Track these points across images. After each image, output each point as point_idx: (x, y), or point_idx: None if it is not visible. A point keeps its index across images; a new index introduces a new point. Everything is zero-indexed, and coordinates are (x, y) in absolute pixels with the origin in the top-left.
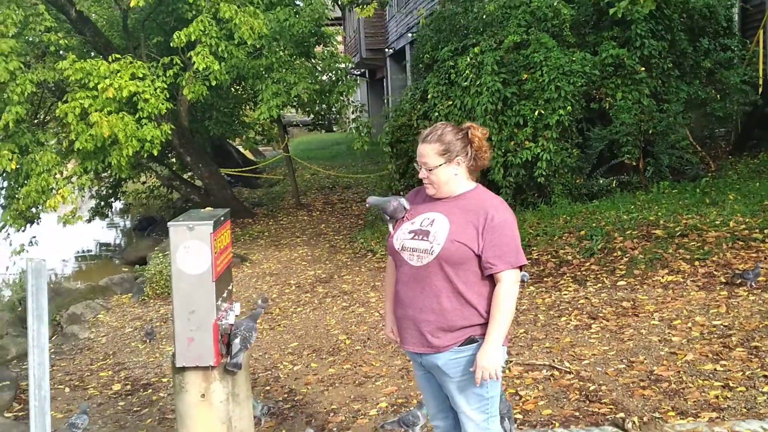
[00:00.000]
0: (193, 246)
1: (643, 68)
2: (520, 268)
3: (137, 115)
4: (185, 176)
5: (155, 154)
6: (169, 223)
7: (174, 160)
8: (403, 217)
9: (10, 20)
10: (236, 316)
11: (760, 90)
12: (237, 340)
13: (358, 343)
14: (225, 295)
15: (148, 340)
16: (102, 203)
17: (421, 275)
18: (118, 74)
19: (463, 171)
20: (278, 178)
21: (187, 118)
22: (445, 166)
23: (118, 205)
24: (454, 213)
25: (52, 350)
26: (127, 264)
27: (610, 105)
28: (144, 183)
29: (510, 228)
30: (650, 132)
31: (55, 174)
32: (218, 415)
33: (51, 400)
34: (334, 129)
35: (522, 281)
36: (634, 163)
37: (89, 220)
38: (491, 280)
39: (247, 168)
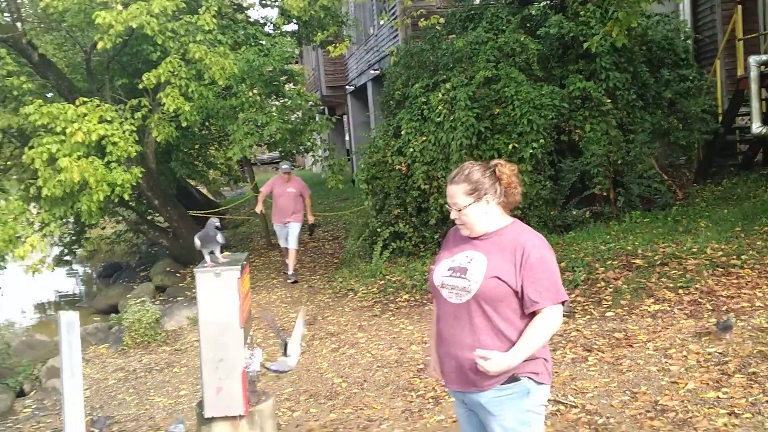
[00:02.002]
0: (220, 292)
1: (609, 100)
2: (563, 303)
3: (106, 159)
4: (152, 219)
5: (126, 198)
6: (195, 270)
7: (135, 204)
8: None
9: None
10: (260, 363)
11: (720, 118)
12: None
13: (355, 385)
14: (249, 341)
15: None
16: (65, 251)
17: (460, 313)
18: (86, 118)
19: (494, 208)
20: (243, 219)
21: (155, 160)
22: (475, 205)
23: (79, 251)
24: (492, 250)
25: (34, 406)
26: (98, 313)
27: (579, 137)
28: (103, 228)
29: (547, 264)
30: (619, 162)
31: (22, 222)
32: None
33: None
34: (305, 167)
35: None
36: (605, 194)
37: (53, 269)
38: (532, 318)
39: (215, 210)
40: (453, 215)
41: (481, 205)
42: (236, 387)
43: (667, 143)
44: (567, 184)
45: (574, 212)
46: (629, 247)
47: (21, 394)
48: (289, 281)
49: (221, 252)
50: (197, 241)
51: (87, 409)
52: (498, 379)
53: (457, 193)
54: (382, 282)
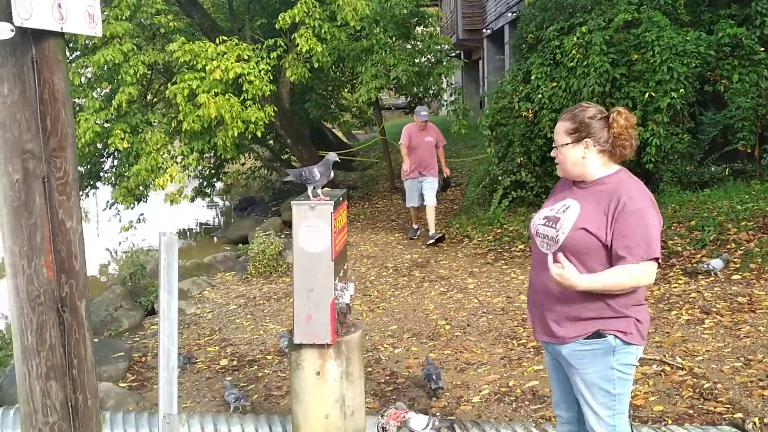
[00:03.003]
0: (313, 224)
1: (762, 49)
2: (657, 261)
3: (242, 97)
4: (284, 158)
5: (259, 135)
6: (292, 202)
7: (272, 142)
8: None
9: (125, 3)
10: (351, 296)
11: None
12: None
13: (458, 329)
14: (341, 274)
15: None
16: (205, 183)
17: (542, 258)
18: (225, 56)
19: (595, 155)
20: (372, 162)
21: (289, 100)
22: (572, 147)
23: (218, 185)
24: (588, 200)
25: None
26: (229, 243)
27: (725, 88)
28: (243, 164)
29: (644, 217)
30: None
31: (164, 153)
32: (332, 393)
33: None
34: (432, 113)
35: (709, 270)
36: (749, 150)
37: (192, 200)
38: None
39: (344, 150)
40: (553, 152)
41: (579, 148)
42: (325, 317)
43: None
44: (707, 138)
45: (713, 169)
46: None
47: (151, 312)
48: (429, 242)
49: (322, 188)
50: (290, 175)
51: (207, 330)
52: (581, 332)
53: (559, 130)
54: (499, 231)
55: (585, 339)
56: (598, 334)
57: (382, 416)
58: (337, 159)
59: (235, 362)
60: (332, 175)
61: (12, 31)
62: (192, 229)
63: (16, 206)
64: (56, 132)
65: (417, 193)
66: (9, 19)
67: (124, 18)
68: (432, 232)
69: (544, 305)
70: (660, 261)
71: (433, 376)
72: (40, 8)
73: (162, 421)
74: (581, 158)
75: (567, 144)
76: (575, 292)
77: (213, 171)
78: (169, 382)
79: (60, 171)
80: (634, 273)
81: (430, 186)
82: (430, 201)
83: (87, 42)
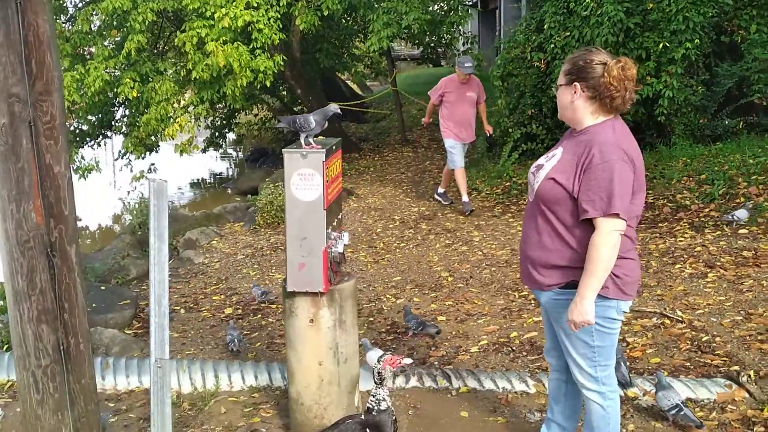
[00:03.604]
0: (305, 173)
1: None
2: (617, 216)
3: (251, 46)
4: (296, 108)
5: (268, 86)
6: (284, 150)
7: (285, 92)
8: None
9: None
10: (345, 245)
11: None
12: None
13: (461, 280)
14: (335, 223)
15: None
16: (216, 134)
17: (531, 211)
18: (234, 3)
19: (584, 102)
20: (385, 114)
21: (299, 50)
22: (563, 89)
23: (231, 136)
24: (568, 150)
25: (170, 273)
26: (240, 193)
27: (742, 38)
28: (256, 115)
29: (610, 170)
30: None
31: (173, 103)
32: (325, 341)
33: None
34: (442, 63)
35: (734, 221)
36: (765, 103)
37: (204, 150)
38: (592, 226)
39: (355, 102)
40: (554, 90)
41: (569, 90)
42: (317, 265)
43: None
44: (721, 90)
45: (726, 122)
46: None
47: None
48: (466, 212)
49: (316, 137)
50: (282, 122)
51: (213, 279)
52: (558, 281)
53: (561, 71)
54: (508, 184)
55: (561, 288)
56: (573, 284)
57: (378, 361)
58: (338, 111)
59: (239, 311)
60: (326, 125)
61: None
62: (205, 179)
63: (3, 150)
64: (42, 75)
65: (460, 155)
66: None
67: None
68: (466, 198)
69: (526, 253)
70: (622, 216)
71: (426, 323)
72: None
73: (154, 365)
74: (570, 102)
75: (561, 85)
76: (550, 242)
77: (224, 121)
78: (160, 327)
79: (47, 115)
80: (602, 240)
81: (466, 147)
82: (452, 166)
83: None
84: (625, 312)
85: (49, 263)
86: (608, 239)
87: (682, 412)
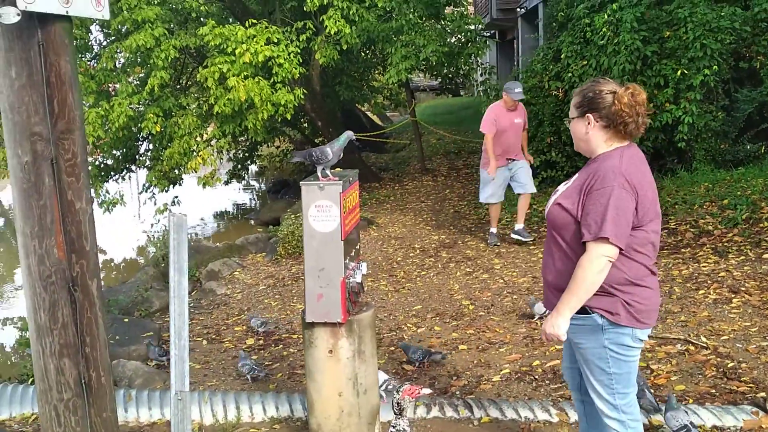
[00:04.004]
0: (323, 205)
1: None
2: (608, 242)
3: (272, 80)
4: (317, 140)
5: (288, 119)
6: (301, 182)
7: (306, 124)
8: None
9: None
10: (363, 275)
11: None
12: None
13: (482, 309)
14: (353, 254)
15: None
16: (239, 166)
17: (548, 236)
18: (254, 39)
19: (598, 131)
20: (404, 143)
21: (319, 83)
22: (577, 121)
23: (253, 168)
24: (581, 175)
25: (192, 305)
26: (262, 224)
27: (761, 64)
28: (278, 147)
29: (607, 196)
30: None
31: (196, 137)
32: (345, 371)
33: (189, 351)
34: (462, 93)
35: None
36: None
37: (227, 183)
38: None
39: (375, 132)
40: (567, 122)
41: (582, 122)
42: (335, 295)
43: None
44: (742, 116)
45: (748, 147)
46: None
47: None
48: (525, 239)
49: (333, 168)
50: (297, 157)
51: (236, 310)
52: None
53: (572, 104)
54: (528, 211)
55: (576, 313)
56: (584, 310)
57: (397, 392)
58: (353, 137)
59: (261, 341)
60: (342, 155)
61: (18, 15)
62: (228, 211)
63: (27, 188)
64: (63, 115)
65: (504, 184)
66: (14, 3)
67: (155, 3)
68: (521, 226)
69: (546, 278)
70: (615, 243)
71: (430, 351)
72: None
73: (174, 398)
74: (585, 133)
75: (574, 118)
76: (562, 266)
77: (246, 154)
78: (180, 360)
79: (68, 153)
80: (586, 262)
81: (526, 170)
82: (531, 187)
83: (120, 27)
84: (643, 340)
85: (71, 298)
86: (594, 264)
87: None
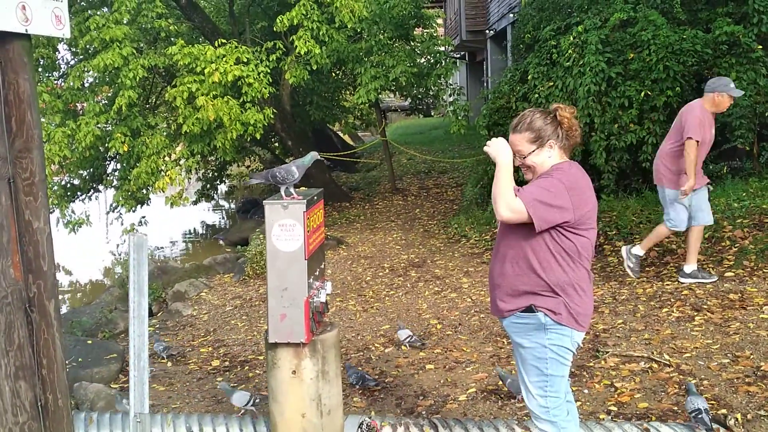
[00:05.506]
0: (286, 224)
1: (760, 46)
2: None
3: (241, 99)
4: (287, 160)
5: (258, 138)
6: (264, 201)
7: (276, 144)
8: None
9: (124, 7)
10: (328, 294)
11: None
12: None
13: (450, 328)
14: (317, 273)
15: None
16: (208, 186)
17: (497, 240)
18: (224, 59)
19: (557, 152)
20: (375, 163)
21: (289, 103)
22: (538, 152)
23: (223, 188)
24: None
25: (158, 326)
26: (231, 244)
27: None
28: (248, 167)
29: (545, 184)
30: (766, 115)
31: (164, 156)
32: (308, 392)
33: (154, 375)
34: (432, 114)
35: None
36: (748, 148)
37: (195, 202)
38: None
39: (345, 152)
40: (517, 162)
41: (544, 151)
42: (299, 315)
43: None
44: None
45: (711, 167)
46: (765, 206)
47: (150, 314)
48: (708, 280)
49: (297, 187)
50: (257, 179)
51: (202, 332)
52: (517, 306)
53: (520, 142)
54: (496, 230)
55: (520, 312)
56: (530, 309)
57: (367, 419)
58: (318, 157)
59: (227, 363)
60: (305, 174)
61: None
62: (197, 231)
63: None
64: (22, 133)
65: (706, 207)
66: None
67: (124, 22)
68: (694, 266)
69: (494, 283)
70: (530, 209)
71: (366, 376)
72: (3, 10)
73: (133, 420)
74: (548, 158)
75: (533, 152)
76: (510, 269)
77: (216, 173)
78: (140, 381)
79: (26, 172)
80: (498, 187)
81: (705, 196)
82: (709, 218)
83: (88, 46)
84: (577, 346)
85: (28, 318)
86: (506, 197)
87: (700, 416)
